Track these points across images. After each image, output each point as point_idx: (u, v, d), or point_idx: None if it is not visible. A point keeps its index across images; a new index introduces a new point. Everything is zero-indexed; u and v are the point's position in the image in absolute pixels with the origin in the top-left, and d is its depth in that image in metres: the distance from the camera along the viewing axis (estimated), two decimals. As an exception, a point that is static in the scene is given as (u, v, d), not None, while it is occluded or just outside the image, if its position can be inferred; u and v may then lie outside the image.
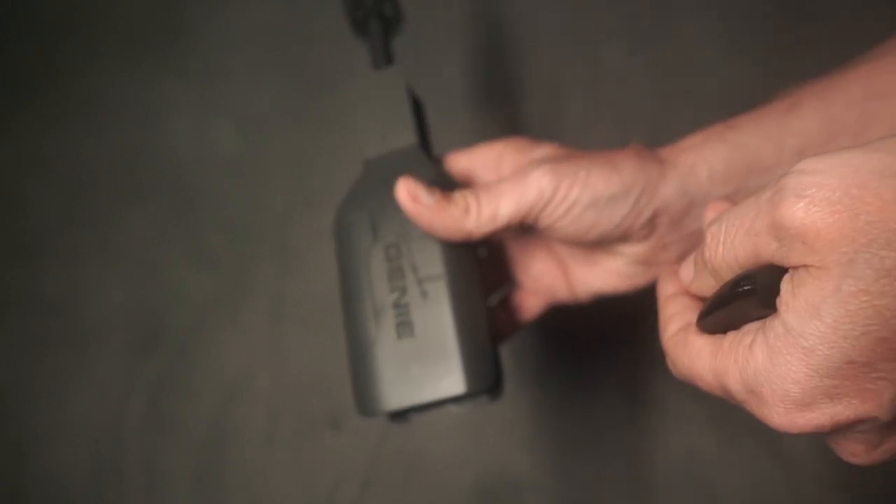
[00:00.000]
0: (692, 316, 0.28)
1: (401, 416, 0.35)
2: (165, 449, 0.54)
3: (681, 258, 0.34)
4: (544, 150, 0.35)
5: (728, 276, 0.24)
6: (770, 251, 0.22)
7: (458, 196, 0.33)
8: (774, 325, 0.22)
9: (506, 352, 0.53)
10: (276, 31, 0.62)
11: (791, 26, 0.55)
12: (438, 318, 0.33)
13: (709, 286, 0.26)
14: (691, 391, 0.51)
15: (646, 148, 0.34)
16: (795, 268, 0.21)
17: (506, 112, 0.56)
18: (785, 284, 0.22)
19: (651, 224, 0.33)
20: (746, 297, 0.24)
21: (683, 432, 0.49)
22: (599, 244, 0.35)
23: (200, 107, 0.61)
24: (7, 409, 0.56)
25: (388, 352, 0.34)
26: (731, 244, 0.24)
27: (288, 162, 0.58)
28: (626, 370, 0.51)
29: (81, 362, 0.56)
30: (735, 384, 0.24)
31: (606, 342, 0.51)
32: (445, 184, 0.35)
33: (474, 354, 0.33)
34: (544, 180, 0.32)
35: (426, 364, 0.33)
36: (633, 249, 0.35)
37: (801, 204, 0.20)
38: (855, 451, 0.24)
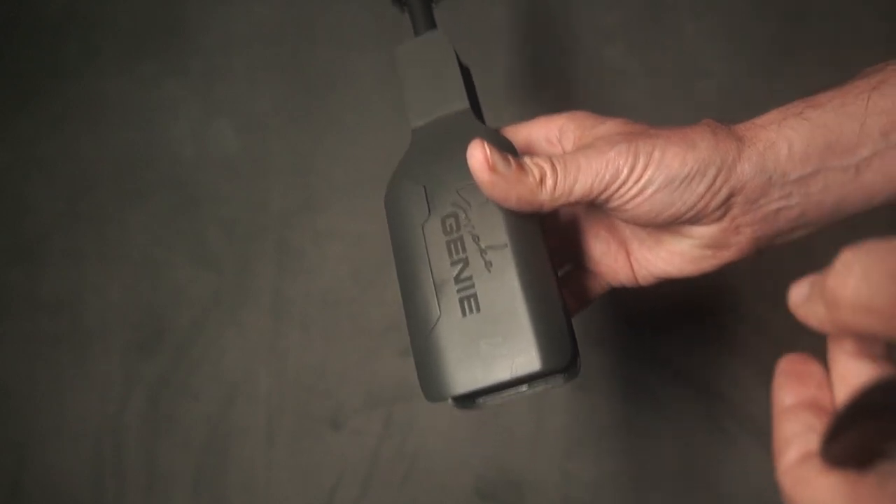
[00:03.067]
0: (815, 440, 0.22)
1: (468, 402, 0.31)
2: (165, 449, 0.54)
3: (753, 244, 0.32)
4: (610, 125, 0.33)
5: (848, 317, 0.19)
6: None
7: (533, 165, 0.31)
8: None
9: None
10: (277, 32, 0.62)
11: (790, 27, 0.55)
12: (507, 291, 0.30)
13: (818, 317, 0.21)
14: (690, 390, 0.51)
15: (721, 124, 0.32)
16: None
17: (513, 111, 0.56)
18: None
19: (726, 205, 0.31)
20: (881, 418, 0.19)
21: (683, 432, 0.49)
22: (669, 226, 0.33)
23: (200, 107, 0.61)
24: (7, 409, 0.56)
25: (452, 330, 0.30)
26: (866, 281, 0.19)
27: (288, 162, 0.58)
28: (627, 370, 0.51)
29: (81, 362, 0.56)
30: None
31: (607, 342, 0.51)
32: (508, 151, 0.32)
33: (548, 328, 0.30)
34: (621, 159, 0.30)
35: (495, 341, 0.30)
36: (704, 231, 0.32)
37: None
38: None
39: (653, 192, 0.30)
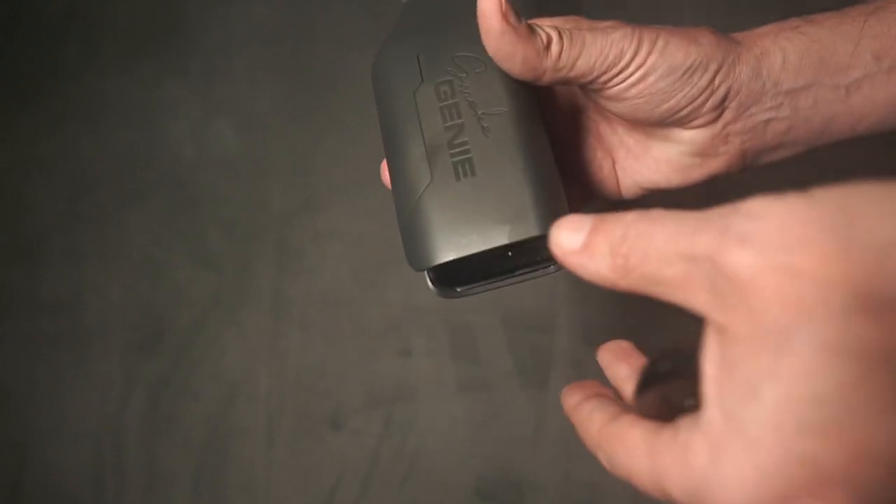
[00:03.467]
0: (612, 407, 0.25)
1: (453, 286, 0.30)
2: (165, 449, 0.54)
3: (740, 156, 0.32)
4: (609, 21, 0.32)
5: (627, 280, 0.21)
6: (700, 285, 0.19)
7: (541, 30, 0.29)
8: (711, 414, 0.19)
9: (506, 350, 0.53)
10: (277, 32, 0.62)
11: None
12: (505, 155, 0.28)
13: (595, 271, 0.23)
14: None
15: (718, 30, 0.32)
16: (723, 329, 0.19)
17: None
18: (712, 359, 0.19)
19: (720, 107, 0.31)
20: (670, 380, 0.21)
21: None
22: (660, 126, 0.32)
23: (200, 107, 0.61)
24: (7, 409, 0.56)
25: (445, 195, 0.28)
26: (661, 249, 0.20)
27: (288, 162, 0.58)
28: (626, 370, 0.51)
29: (81, 362, 0.56)
30: (676, 490, 0.20)
31: (607, 341, 0.51)
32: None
33: (548, 195, 0.28)
34: (625, 42, 0.29)
35: (491, 205, 0.28)
36: (695, 136, 0.32)
37: (747, 252, 0.18)
38: None
39: (654, 80, 0.30)
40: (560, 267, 0.28)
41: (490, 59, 0.30)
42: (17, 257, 0.59)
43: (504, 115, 0.29)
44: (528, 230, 0.27)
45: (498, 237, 0.27)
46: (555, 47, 0.29)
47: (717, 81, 0.30)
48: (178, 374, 0.55)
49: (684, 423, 0.21)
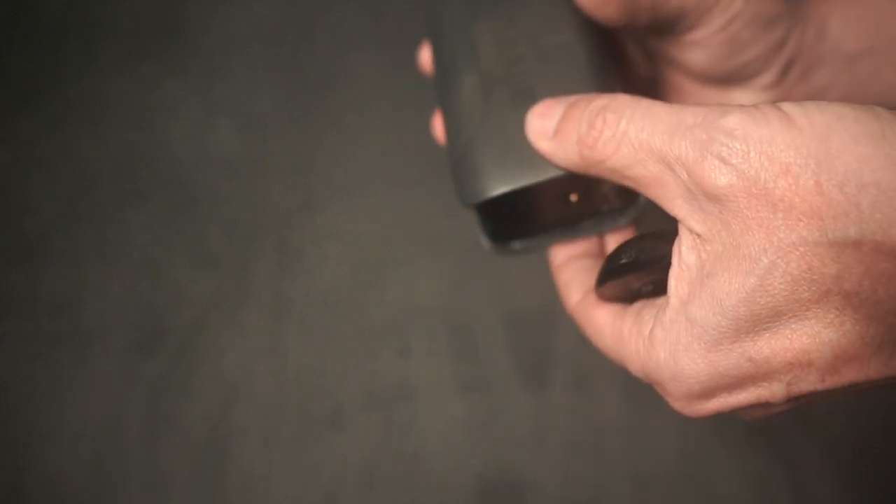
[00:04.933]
0: (591, 279, 0.27)
1: (510, 239, 0.28)
2: (165, 449, 0.54)
3: None
4: None
5: (596, 169, 0.22)
6: (674, 189, 0.21)
7: None
8: (674, 314, 0.22)
9: (506, 350, 0.53)
10: (277, 32, 0.62)
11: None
12: (569, 79, 0.26)
13: (564, 158, 0.23)
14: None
15: None
16: (699, 238, 0.21)
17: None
18: (686, 261, 0.21)
19: (788, 65, 0.31)
20: (631, 272, 0.23)
21: (683, 432, 0.49)
22: (726, 83, 0.31)
23: (200, 107, 0.61)
24: (7, 409, 0.56)
25: (502, 124, 0.26)
26: (632, 144, 0.21)
27: (288, 162, 0.58)
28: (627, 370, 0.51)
29: (81, 362, 0.56)
30: (638, 372, 0.24)
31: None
32: None
33: None
34: None
35: None
36: (755, 98, 0.31)
37: (728, 173, 0.19)
38: (751, 416, 0.24)
39: (740, 27, 0.29)
40: (631, 220, 0.28)
41: None
42: (17, 257, 0.59)
43: (568, 43, 0.27)
44: None
45: (554, 169, 0.25)
46: None
47: (790, 37, 0.30)
48: (178, 374, 0.55)
49: (646, 313, 0.24)
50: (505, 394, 0.52)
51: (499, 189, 0.25)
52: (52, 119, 0.62)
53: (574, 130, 0.23)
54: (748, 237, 0.19)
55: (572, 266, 0.29)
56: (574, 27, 0.27)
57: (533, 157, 0.25)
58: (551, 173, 0.25)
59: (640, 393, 0.50)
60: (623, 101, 0.22)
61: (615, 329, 0.25)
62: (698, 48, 0.30)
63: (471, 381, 0.53)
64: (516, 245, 0.28)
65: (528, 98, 0.26)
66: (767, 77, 0.31)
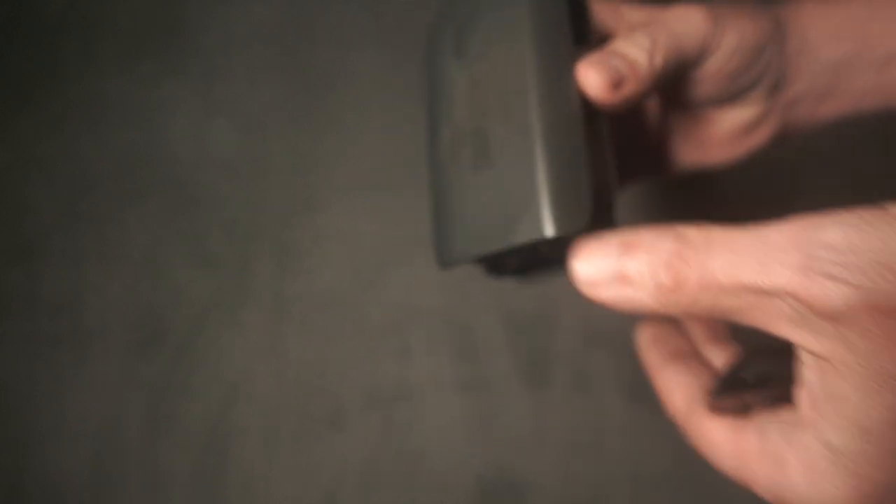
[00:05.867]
0: (696, 381, 0.25)
1: (504, 273, 0.28)
2: (165, 449, 0.54)
3: (780, 129, 0.33)
4: (677, 8, 0.31)
5: (677, 308, 0.21)
6: (779, 315, 0.19)
7: (628, 47, 0.27)
8: (809, 440, 0.20)
9: (506, 350, 0.53)
10: (277, 31, 0.62)
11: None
12: (521, 140, 0.25)
13: (637, 300, 0.21)
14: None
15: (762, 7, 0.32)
16: (822, 360, 0.19)
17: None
18: (812, 383, 0.19)
19: (776, 82, 0.31)
20: (751, 389, 0.22)
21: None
22: (715, 105, 0.32)
23: (200, 107, 0.61)
24: (7, 409, 0.56)
25: (463, 188, 0.26)
26: (721, 284, 0.20)
27: (288, 162, 0.58)
28: (627, 370, 0.51)
29: (81, 362, 0.56)
30: (766, 495, 0.22)
31: (607, 342, 0.51)
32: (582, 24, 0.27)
33: (563, 186, 0.24)
34: (707, 23, 0.29)
35: (505, 201, 0.25)
36: (742, 113, 0.32)
37: (841, 290, 0.17)
38: None
39: (738, 60, 0.30)
40: None
41: (528, 32, 0.26)
42: (17, 257, 0.59)
43: (524, 92, 0.25)
44: (534, 231, 0.24)
45: (501, 241, 0.25)
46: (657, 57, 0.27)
47: (777, 57, 0.31)
48: (178, 374, 0.55)
49: (771, 431, 0.22)
50: (505, 394, 0.52)
51: (449, 262, 0.26)
52: (52, 119, 0.62)
53: (647, 271, 0.21)
54: (879, 353, 0.18)
55: (673, 367, 0.27)
56: (539, 64, 0.26)
57: (482, 226, 0.25)
58: (493, 246, 0.25)
59: (640, 393, 0.50)
60: (695, 237, 0.20)
61: (736, 447, 0.23)
62: (700, 83, 0.31)
63: (471, 381, 0.53)
64: (513, 275, 0.29)
65: (486, 161, 0.25)
66: (760, 90, 0.32)
